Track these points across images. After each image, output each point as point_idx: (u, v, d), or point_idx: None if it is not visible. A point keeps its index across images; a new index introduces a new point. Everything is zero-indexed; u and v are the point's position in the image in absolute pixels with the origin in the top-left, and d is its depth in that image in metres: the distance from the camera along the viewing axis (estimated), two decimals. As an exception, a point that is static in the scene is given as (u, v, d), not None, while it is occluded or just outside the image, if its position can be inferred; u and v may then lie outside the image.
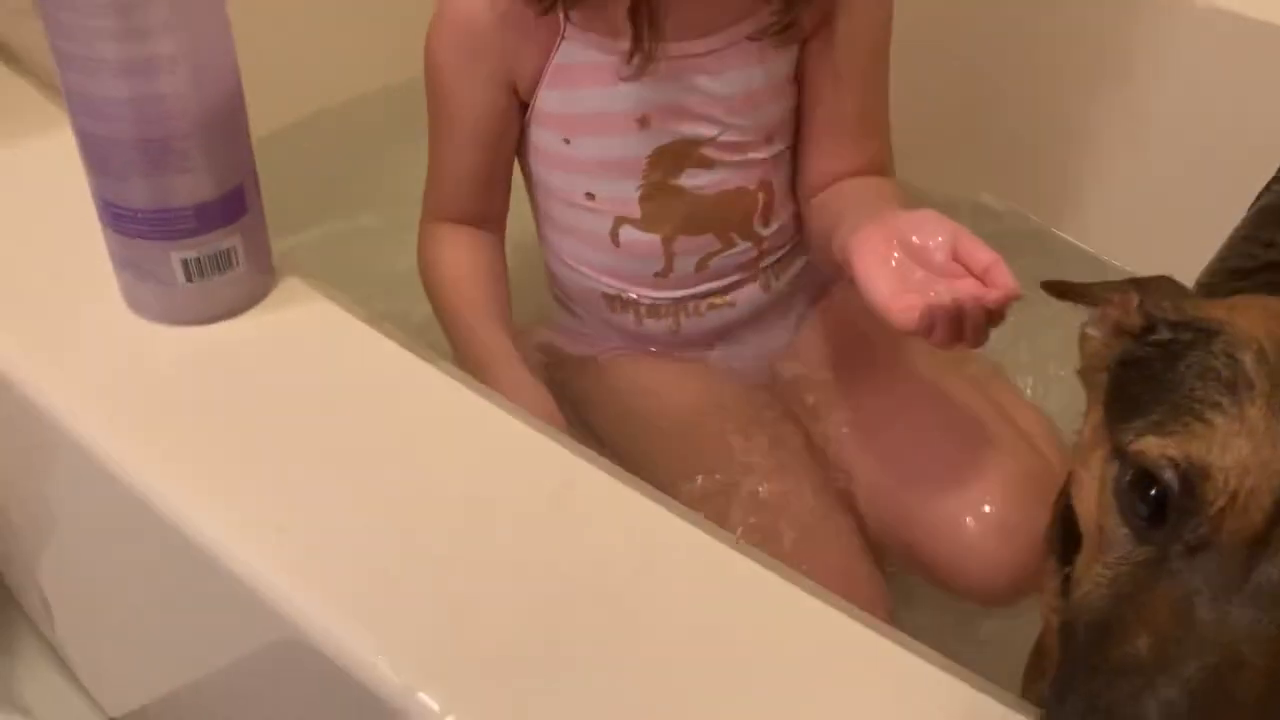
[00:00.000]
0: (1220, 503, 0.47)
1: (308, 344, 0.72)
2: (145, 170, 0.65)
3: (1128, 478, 0.51)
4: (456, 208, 0.95)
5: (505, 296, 0.96)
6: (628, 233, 0.92)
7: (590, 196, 0.91)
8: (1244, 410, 0.49)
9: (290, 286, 0.76)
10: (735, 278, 0.95)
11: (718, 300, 0.95)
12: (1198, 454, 0.48)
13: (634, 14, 0.82)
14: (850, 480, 0.91)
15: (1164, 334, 0.55)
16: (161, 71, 0.63)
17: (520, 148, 0.93)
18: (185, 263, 0.69)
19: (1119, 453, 0.53)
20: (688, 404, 0.94)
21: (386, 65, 1.19)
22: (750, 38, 0.86)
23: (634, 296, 0.94)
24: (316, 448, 0.66)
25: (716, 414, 0.93)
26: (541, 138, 0.90)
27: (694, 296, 0.95)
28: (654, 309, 0.95)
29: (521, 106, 0.90)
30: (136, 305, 0.72)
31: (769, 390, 0.98)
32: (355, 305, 0.76)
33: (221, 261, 0.70)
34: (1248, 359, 0.50)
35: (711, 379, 0.97)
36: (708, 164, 0.90)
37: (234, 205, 0.69)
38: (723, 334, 0.98)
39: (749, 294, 0.96)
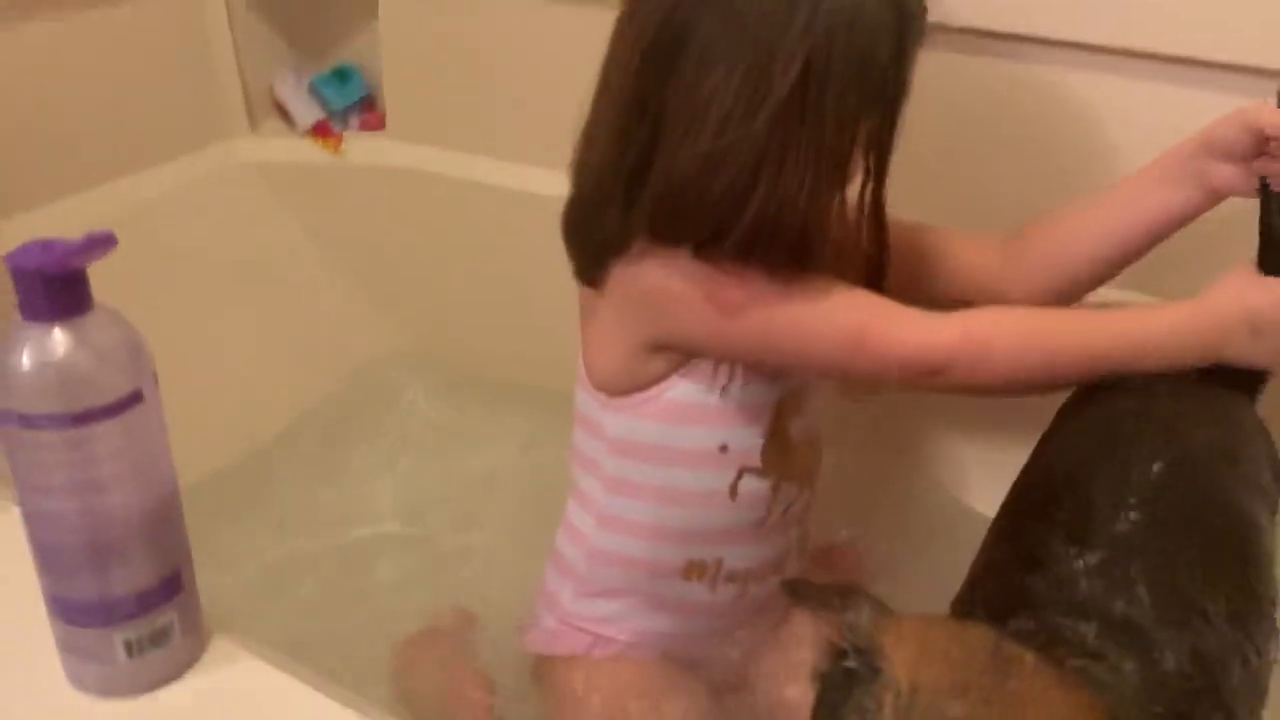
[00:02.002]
0: None
1: (244, 710, 0.78)
2: (92, 569, 0.73)
3: None
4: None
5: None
6: (747, 483, 0.89)
7: (724, 449, 0.88)
8: None
9: (220, 648, 0.82)
10: (794, 535, 0.95)
11: (773, 568, 0.95)
12: None
13: None
14: None
15: (851, 661, 0.57)
16: (108, 488, 0.71)
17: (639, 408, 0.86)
18: (127, 643, 0.76)
19: None
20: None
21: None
22: None
23: (719, 558, 0.91)
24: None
25: None
26: (684, 390, 0.85)
27: (764, 564, 0.93)
28: (732, 573, 0.93)
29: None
30: (77, 680, 0.78)
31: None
32: (291, 660, 0.82)
33: (159, 637, 0.77)
34: (888, 704, 0.54)
35: (696, 690, 0.96)
36: (805, 409, 0.91)
37: (171, 586, 0.77)
38: (763, 607, 0.96)
39: (793, 561, 0.96)
